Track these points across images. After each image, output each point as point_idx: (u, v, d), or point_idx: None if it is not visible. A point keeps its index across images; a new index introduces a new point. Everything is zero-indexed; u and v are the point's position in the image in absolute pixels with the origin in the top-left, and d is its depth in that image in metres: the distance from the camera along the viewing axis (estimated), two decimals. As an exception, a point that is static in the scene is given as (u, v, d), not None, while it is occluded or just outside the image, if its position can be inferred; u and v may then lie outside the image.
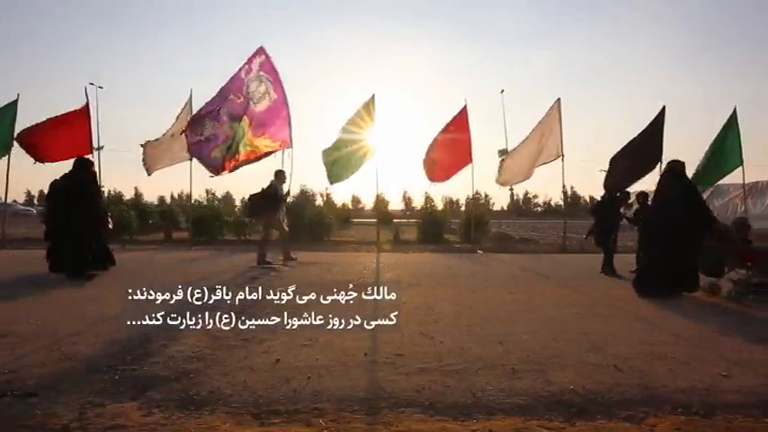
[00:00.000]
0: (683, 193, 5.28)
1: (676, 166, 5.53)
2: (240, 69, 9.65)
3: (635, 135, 10.47)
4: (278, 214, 7.85)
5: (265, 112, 9.75)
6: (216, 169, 9.83)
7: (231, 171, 10.08)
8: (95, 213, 6.32)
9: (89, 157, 9.25)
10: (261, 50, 9.67)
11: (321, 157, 11.10)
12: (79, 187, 6.09)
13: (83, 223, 6.01)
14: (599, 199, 8.17)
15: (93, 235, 6.24)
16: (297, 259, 8.02)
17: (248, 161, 9.86)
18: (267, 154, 9.82)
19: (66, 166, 6.58)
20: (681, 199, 5.23)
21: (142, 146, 11.35)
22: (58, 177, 6.25)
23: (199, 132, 9.53)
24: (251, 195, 7.95)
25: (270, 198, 7.71)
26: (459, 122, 11.68)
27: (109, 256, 6.64)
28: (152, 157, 11.39)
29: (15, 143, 10.60)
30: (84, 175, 6.26)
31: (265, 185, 7.89)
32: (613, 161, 10.28)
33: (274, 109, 9.75)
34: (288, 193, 8.24)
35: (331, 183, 11.31)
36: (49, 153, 10.64)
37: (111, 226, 7.07)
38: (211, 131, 9.51)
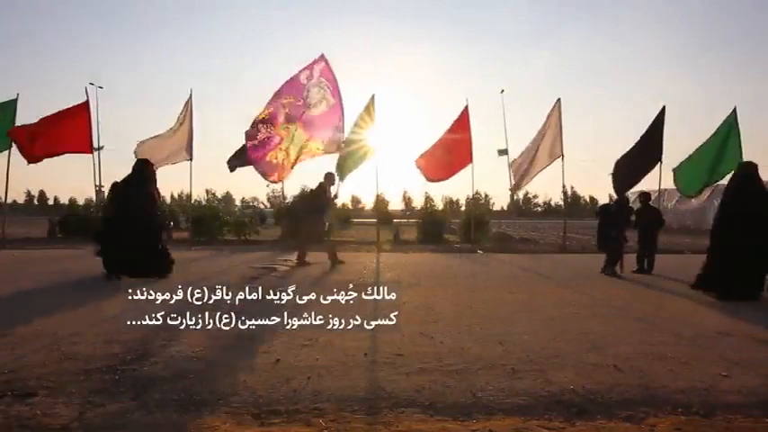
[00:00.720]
0: (760, 194, 5.28)
1: (750, 168, 5.49)
2: (300, 73, 9.63)
3: (635, 135, 10.52)
4: (323, 216, 7.76)
5: (320, 116, 9.78)
6: (270, 174, 9.87)
7: (286, 175, 10.13)
8: (151, 216, 6.29)
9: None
10: (321, 58, 9.76)
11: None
12: (136, 190, 6.10)
13: (135, 226, 5.98)
14: (601, 204, 8.15)
15: (148, 238, 6.18)
16: (311, 264, 7.64)
17: (297, 162, 9.91)
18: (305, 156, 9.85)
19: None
20: (759, 201, 5.21)
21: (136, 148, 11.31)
22: (118, 180, 6.24)
23: (254, 137, 9.56)
24: (301, 196, 7.95)
25: (317, 199, 7.66)
26: (461, 122, 11.68)
27: (166, 262, 6.46)
28: (144, 153, 11.32)
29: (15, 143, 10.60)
30: (142, 177, 6.25)
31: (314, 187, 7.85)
32: (618, 165, 10.32)
33: (329, 114, 9.82)
34: (336, 195, 8.18)
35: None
36: (44, 148, 10.57)
37: (171, 224, 7.07)
38: (266, 134, 9.57)
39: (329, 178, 7.95)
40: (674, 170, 10.84)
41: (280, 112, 9.55)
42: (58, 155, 10.74)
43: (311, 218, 7.71)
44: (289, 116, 9.57)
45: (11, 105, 10.86)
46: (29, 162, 10.50)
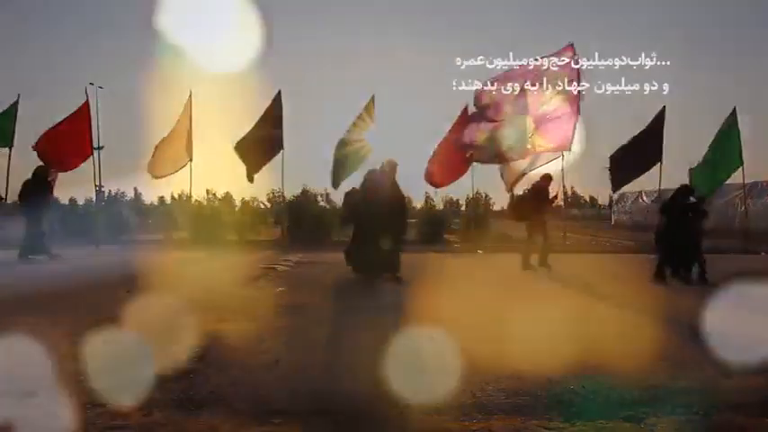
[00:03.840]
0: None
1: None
2: (540, 62, 9.06)
3: (634, 134, 10.56)
4: (543, 217, 7.48)
5: (553, 111, 9.18)
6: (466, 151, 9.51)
7: (506, 162, 9.71)
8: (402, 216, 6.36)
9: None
10: (569, 48, 9.08)
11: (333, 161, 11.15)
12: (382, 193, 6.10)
13: (383, 226, 6.03)
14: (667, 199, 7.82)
15: (392, 238, 6.20)
16: (534, 268, 7.39)
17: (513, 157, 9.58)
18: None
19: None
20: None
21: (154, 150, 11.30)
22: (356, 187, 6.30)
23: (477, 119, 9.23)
24: (518, 196, 7.67)
25: (536, 200, 7.39)
26: (461, 122, 11.66)
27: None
28: (155, 162, 11.37)
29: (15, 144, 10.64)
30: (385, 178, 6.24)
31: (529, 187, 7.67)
32: (613, 159, 10.33)
33: (563, 110, 9.18)
34: (556, 196, 7.79)
35: (335, 187, 11.37)
36: (61, 160, 10.54)
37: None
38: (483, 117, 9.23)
39: (547, 178, 7.56)
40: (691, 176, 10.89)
41: (505, 98, 9.07)
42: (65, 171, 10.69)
43: (534, 216, 7.40)
44: (516, 105, 9.08)
45: (12, 106, 10.91)
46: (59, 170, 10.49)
